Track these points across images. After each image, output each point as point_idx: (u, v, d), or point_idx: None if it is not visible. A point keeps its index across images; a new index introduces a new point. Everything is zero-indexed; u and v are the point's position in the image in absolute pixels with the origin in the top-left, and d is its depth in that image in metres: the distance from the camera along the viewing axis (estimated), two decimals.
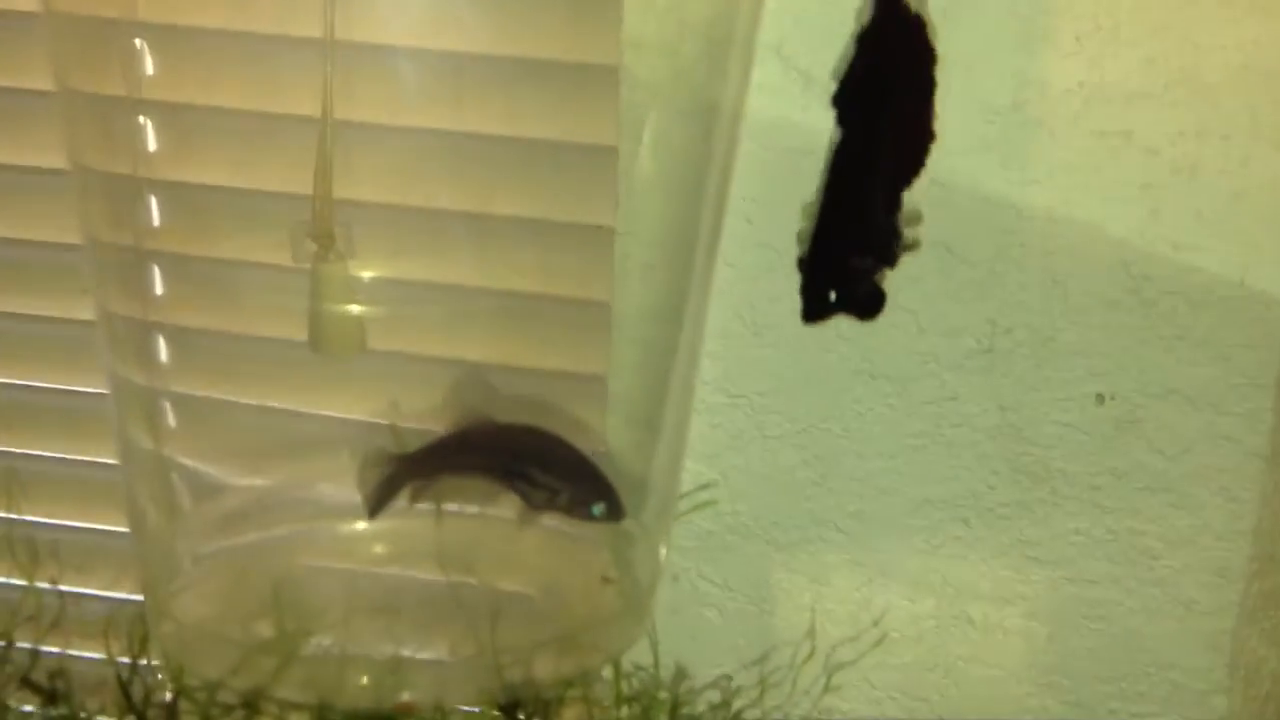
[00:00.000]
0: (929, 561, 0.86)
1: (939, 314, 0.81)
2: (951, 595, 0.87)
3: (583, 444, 0.77)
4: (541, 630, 0.73)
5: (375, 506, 0.76)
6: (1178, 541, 0.84)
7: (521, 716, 0.73)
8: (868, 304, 0.79)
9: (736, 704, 0.82)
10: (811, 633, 0.87)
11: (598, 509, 0.74)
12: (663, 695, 0.79)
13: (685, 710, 0.78)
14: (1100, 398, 0.82)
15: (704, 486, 0.86)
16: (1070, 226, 0.79)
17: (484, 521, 0.77)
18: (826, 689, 0.84)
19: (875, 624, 0.87)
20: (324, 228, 0.82)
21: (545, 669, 0.70)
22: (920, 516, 0.85)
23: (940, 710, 0.89)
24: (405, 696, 0.68)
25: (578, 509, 0.74)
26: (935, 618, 0.87)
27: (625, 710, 0.79)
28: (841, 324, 0.81)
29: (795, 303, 0.80)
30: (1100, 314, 0.80)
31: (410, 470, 0.76)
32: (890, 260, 0.77)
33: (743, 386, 0.85)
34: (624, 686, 0.78)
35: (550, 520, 0.75)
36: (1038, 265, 0.80)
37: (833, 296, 0.78)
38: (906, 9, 0.74)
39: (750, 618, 0.89)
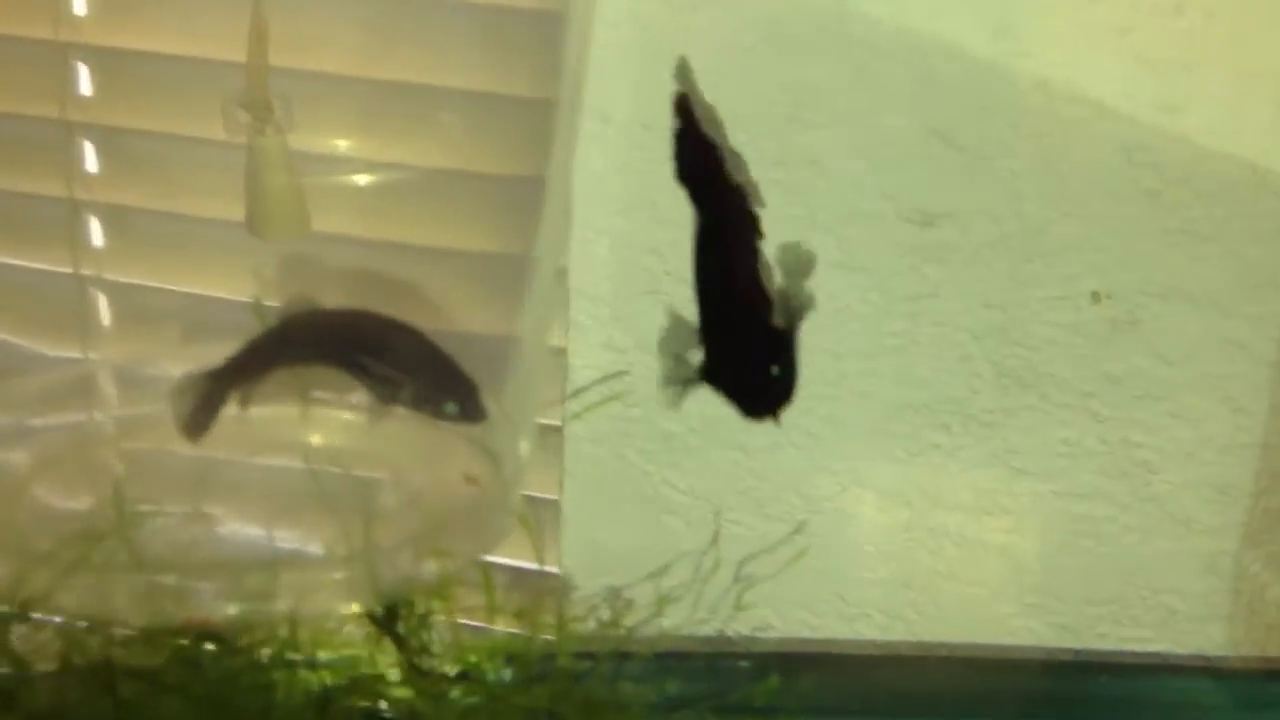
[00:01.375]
0: (906, 471, 0.79)
1: (922, 202, 0.74)
2: (930, 507, 0.80)
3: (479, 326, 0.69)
4: (396, 530, 0.66)
5: (195, 428, 0.68)
6: (1177, 454, 0.77)
7: (401, 630, 0.66)
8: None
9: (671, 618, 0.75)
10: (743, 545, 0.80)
11: (450, 408, 0.66)
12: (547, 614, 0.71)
13: (574, 626, 0.71)
14: (1096, 296, 0.74)
15: (611, 376, 0.79)
16: (1067, 105, 0.71)
17: (339, 411, 0.70)
18: (737, 604, 0.77)
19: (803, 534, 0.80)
20: (259, 97, 0.76)
21: (407, 569, 0.64)
22: (898, 422, 0.78)
23: (918, 630, 0.83)
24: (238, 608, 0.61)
25: (425, 406, 0.66)
26: (912, 531, 0.81)
27: (503, 622, 0.72)
28: (817, 212, 0.74)
29: (771, 190, 0.73)
30: (1098, 204, 0.73)
31: (226, 383, 0.68)
32: (790, 365, 0.65)
33: None
34: (502, 598, 0.72)
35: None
36: (1030, 149, 0.72)
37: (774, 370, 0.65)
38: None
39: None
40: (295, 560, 0.65)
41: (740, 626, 0.76)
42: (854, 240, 0.75)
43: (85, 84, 0.80)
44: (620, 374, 0.79)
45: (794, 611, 0.83)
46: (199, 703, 0.60)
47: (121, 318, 0.82)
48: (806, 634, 0.83)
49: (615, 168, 0.76)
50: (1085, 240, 0.73)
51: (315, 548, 0.65)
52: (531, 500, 0.84)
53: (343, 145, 0.77)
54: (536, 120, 0.73)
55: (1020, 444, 0.78)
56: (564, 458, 0.82)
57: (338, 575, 0.63)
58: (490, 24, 0.74)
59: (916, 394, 0.78)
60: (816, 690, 0.74)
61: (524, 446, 0.73)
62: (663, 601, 0.71)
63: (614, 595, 0.72)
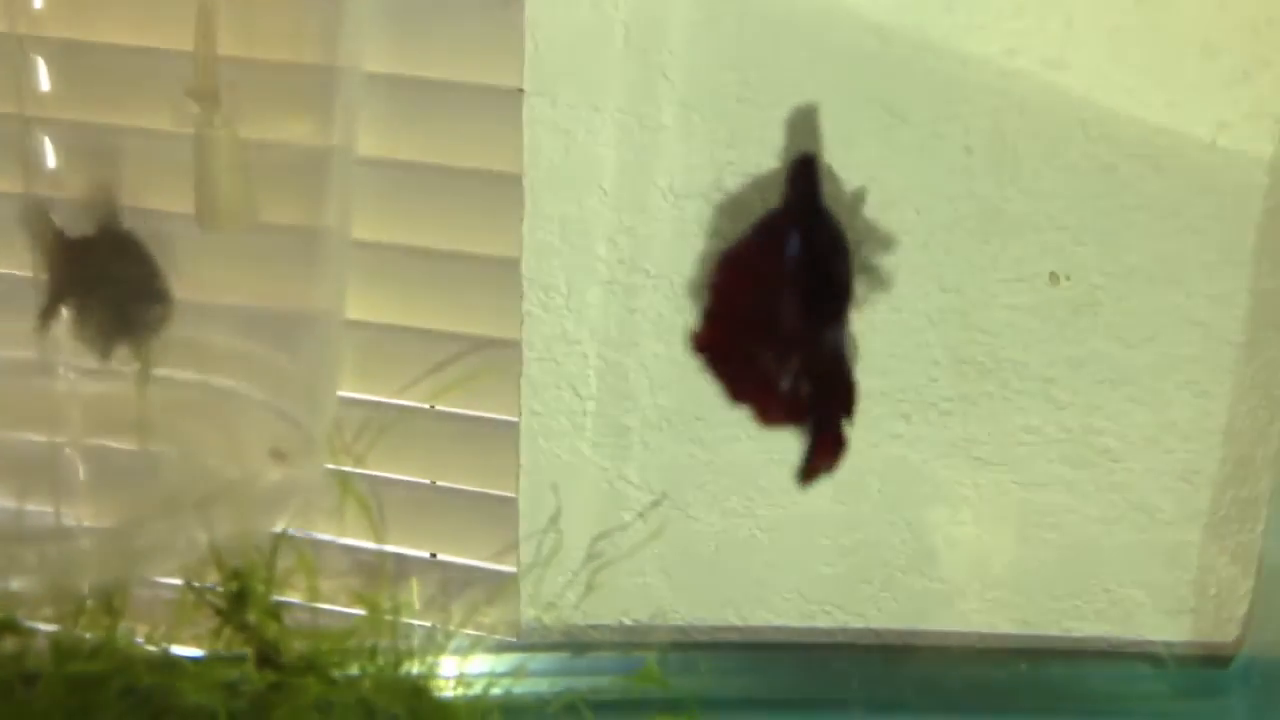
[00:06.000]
0: (864, 461, 0.72)
1: (875, 182, 0.67)
2: (889, 499, 0.72)
3: None
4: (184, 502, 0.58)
5: None
6: (1140, 441, 0.70)
7: (249, 619, 0.58)
8: None
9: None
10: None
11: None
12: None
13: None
14: (1054, 277, 0.67)
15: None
16: (1020, 79, 0.64)
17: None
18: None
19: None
20: (208, 86, 0.69)
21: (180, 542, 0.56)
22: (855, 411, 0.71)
23: (876, 625, 0.74)
24: None
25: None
26: (871, 524, 0.73)
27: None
28: (766, 193, 0.67)
29: (725, 173, 0.66)
30: (1055, 181, 0.66)
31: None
32: None
33: (664, 266, 0.70)
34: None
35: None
36: (985, 125, 0.65)
37: None
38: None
39: (675, 522, 0.74)
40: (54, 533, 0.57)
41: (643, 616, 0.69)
42: None
43: (43, 78, 0.74)
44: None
45: (754, 609, 0.75)
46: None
47: None
48: (770, 631, 0.75)
49: (566, 153, 0.68)
50: (1043, 219, 0.67)
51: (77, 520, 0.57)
52: (488, 497, 0.76)
53: None
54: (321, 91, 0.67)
55: (980, 432, 0.71)
56: (520, 454, 0.74)
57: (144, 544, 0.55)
58: None
59: (873, 382, 0.71)
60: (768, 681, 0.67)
61: (326, 420, 0.66)
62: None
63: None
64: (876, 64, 0.65)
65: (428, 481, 0.77)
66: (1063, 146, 0.65)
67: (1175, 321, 0.67)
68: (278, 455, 0.63)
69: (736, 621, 0.76)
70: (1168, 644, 0.72)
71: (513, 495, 0.76)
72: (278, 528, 0.61)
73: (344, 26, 0.65)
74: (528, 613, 0.73)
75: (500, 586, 0.75)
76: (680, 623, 0.75)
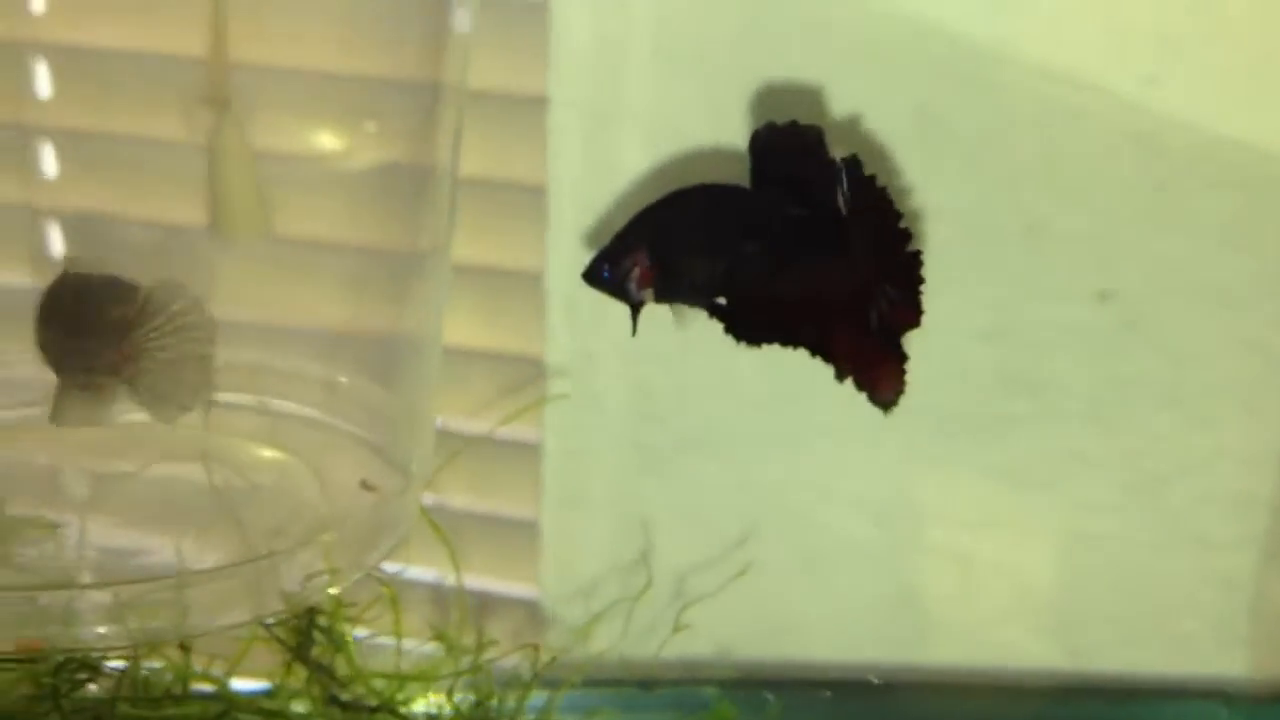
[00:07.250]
0: (902, 485, 0.69)
1: (915, 194, 0.64)
2: (929, 525, 0.70)
3: None
4: (285, 538, 0.55)
5: None
6: (1192, 465, 0.67)
7: (316, 657, 0.55)
8: None
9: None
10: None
11: None
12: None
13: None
14: (1103, 295, 0.64)
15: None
16: (1069, 89, 0.61)
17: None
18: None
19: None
20: (219, 92, 0.67)
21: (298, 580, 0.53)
22: (892, 431, 0.67)
23: (916, 656, 0.72)
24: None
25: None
26: (909, 550, 0.70)
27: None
28: None
29: None
30: (1104, 195, 0.63)
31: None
32: None
33: None
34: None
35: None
36: (1030, 137, 0.63)
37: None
38: None
39: (699, 545, 0.72)
40: (176, 573, 0.54)
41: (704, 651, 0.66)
42: None
43: (44, 84, 0.71)
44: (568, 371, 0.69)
45: (784, 636, 0.72)
46: None
47: None
48: (799, 659, 0.72)
49: (591, 163, 0.66)
50: (1092, 235, 0.64)
51: (197, 559, 0.54)
52: (507, 521, 0.74)
53: None
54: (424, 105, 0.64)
55: (1023, 454, 0.68)
56: (541, 474, 0.72)
57: (223, 587, 0.52)
58: None
59: (911, 401, 0.67)
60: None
61: (424, 450, 0.64)
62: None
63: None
64: (918, 72, 0.62)
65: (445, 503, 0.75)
66: (1111, 162, 0.62)
67: (1228, 341, 0.64)
68: (368, 488, 0.60)
69: (770, 657, 0.73)
70: (1237, 680, 0.69)
71: (533, 518, 0.73)
72: (370, 567, 0.58)
73: (448, 41, 0.63)
74: (578, 648, 0.70)
75: (536, 617, 0.73)
76: (738, 658, 0.72)
